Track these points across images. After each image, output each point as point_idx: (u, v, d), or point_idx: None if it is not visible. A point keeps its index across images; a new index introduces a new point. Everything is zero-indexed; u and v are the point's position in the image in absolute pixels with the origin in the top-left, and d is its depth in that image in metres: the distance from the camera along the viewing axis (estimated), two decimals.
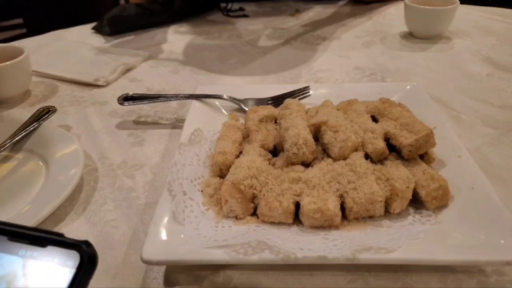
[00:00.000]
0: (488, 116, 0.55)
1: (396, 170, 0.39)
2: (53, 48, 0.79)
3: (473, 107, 0.57)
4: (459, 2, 0.77)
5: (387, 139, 0.43)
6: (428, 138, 0.41)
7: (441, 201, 0.38)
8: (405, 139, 0.41)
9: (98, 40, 0.84)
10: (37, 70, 0.68)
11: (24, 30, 1.82)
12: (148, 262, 0.33)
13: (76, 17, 1.78)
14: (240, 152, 0.45)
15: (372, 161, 0.41)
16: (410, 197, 0.38)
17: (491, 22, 0.86)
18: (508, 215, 0.35)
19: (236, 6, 0.99)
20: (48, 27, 1.75)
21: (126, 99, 0.56)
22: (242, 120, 0.52)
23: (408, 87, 0.56)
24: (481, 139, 0.51)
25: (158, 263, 0.35)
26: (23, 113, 0.60)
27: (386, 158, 0.42)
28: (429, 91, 0.59)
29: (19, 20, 1.86)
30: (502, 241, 0.33)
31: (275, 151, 0.45)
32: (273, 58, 0.75)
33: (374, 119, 0.46)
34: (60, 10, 1.73)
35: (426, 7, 0.75)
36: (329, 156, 0.42)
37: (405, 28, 0.82)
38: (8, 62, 0.59)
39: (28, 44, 0.82)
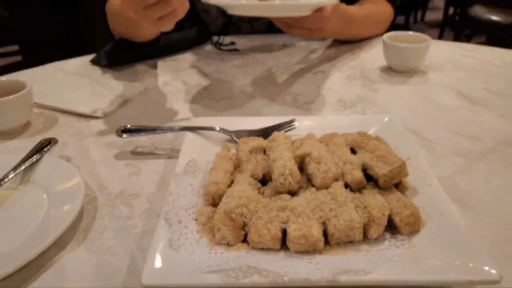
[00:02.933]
0: (459, 146, 0.60)
1: (373, 199, 0.43)
2: (53, 80, 0.82)
3: (445, 137, 0.62)
4: (431, 39, 0.83)
5: (364, 170, 0.47)
6: (401, 169, 0.45)
7: (414, 226, 0.42)
8: (380, 170, 0.45)
9: (96, 72, 0.88)
10: (37, 101, 0.71)
11: (19, 58, 1.86)
12: (147, 287, 0.36)
13: (71, 45, 1.83)
14: (232, 182, 0.48)
15: (352, 190, 0.45)
16: (386, 223, 0.42)
17: (462, 57, 0.92)
18: (471, 239, 0.39)
19: (227, 40, 1.04)
20: (43, 54, 1.79)
21: (124, 131, 0.59)
22: (233, 150, 0.56)
23: (386, 119, 0.61)
24: (452, 167, 0.55)
25: None
26: (24, 144, 0.63)
27: (364, 187, 0.46)
28: (405, 122, 0.64)
29: (15, 47, 1.90)
30: (466, 263, 0.37)
31: (264, 180, 0.49)
32: (261, 91, 0.80)
33: (353, 151, 0.50)
34: (56, 38, 1.78)
35: (402, 44, 0.81)
36: (312, 185, 0.46)
37: (384, 62, 0.87)
38: (11, 96, 0.63)
39: (28, 75, 0.86)
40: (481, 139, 0.62)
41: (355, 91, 0.78)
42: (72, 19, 1.80)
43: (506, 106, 0.71)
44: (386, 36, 0.85)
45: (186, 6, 0.62)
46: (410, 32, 0.88)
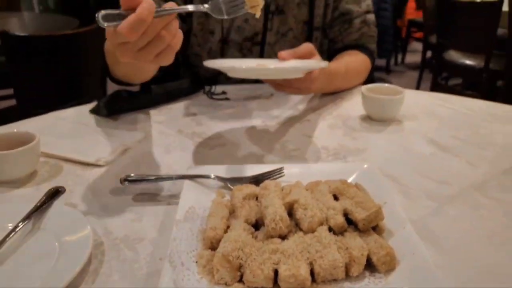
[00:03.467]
0: (430, 190, 0.67)
1: (354, 241, 0.49)
2: (56, 130, 0.88)
3: (418, 182, 0.69)
4: (405, 91, 0.92)
5: (346, 215, 0.53)
6: (378, 214, 0.51)
7: (389, 265, 0.48)
8: (359, 215, 0.51)
9: (96, 121, 0.94)
10: (43, 151, 0.76)
11: (13, 102, 1.91)
12: None
13: (65, 90, 1.90)
14: (228, 227, 0.54)
15: (335, 233, 0.51)
16: (365, 262, 0.47)
17: (435, 106, 1.01)
18: (440, 277, 0.45)
19: (219, 89, 1.12)
20: (38, 99, 1.84)
21: (126, 179, 0.65)
22: (228, 197, 0.62)
23: (365, 166, 0.68)
24: (424, 210, 0.62)
25: None
26: (31, 192, 0.68)
27: (345, 230, 0.52)
28: (383, 168, 0.71)
29: (9, 91, 1.95)
30: None
31: (257, 224, 0.55)
32: (252, 139, 0.87)
33: (336, 198, 0.57)
34: (51, 83, 1.84)
35: (380, 96, 0.90)
36: (300, 229, 0.52)
37: (364, 112, 0.96)
38: (21, 148, 0.68)
39: (30, 125, 0.92)
40: (450, 184, 0.69)
41: (337, 139, 0.86)
42: (66, 66, 1.87)
43: (472, 153, 0.79)
44: (364, 88, 0.93)
45: (180, 36, 0.62)
46: (386, 85, 0.97)
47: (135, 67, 0.83)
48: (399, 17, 4.52)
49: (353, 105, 1.03)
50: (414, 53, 5.11)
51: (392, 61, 4.66)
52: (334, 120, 0.95)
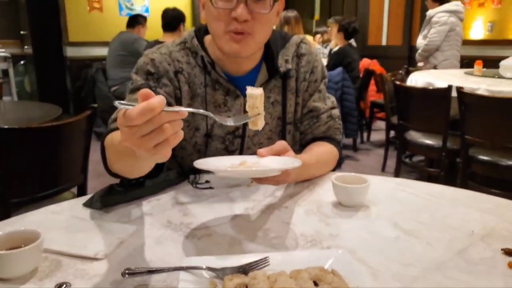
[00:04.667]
0: (397, 272, 0.76)
1: None
2: (52, 225, 0.94)
3: (386, 265, 0.79)
4: (370, 180, 1.04)
5: None
6: None
7: None
8: None
9: (90, 215, 1.01)
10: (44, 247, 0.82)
11: None
12: None
13: (45, 179, 1.93)
14: None
15: None
16: None
17: (397, 191, 1.14)
18: None
19: (203, 178, 1.22)
20: (17, 188, 1.86)
21: (127, 272, 0.71)
22: (220, 286, 0.69)
23: (340, 251, 0.77)
24: None
25: None
26: None
27: None
28: (355, 252, 0.81)
29: None
30: None
31: None
32: (236, 228, 0.95)
33: (316, 284, 0.65)
34: (31, 173, 1.88)
35: (347, 185, 1.02)
36: None
37: (335, 198, 1.07)
38: (27, 247, 0.74)
39: (26, 221, 0.97)
40: (414, 265, 0.79)
41: (313, 225, 0.95)
42: (47, 156, 1.91)
43: (432, 235, 0.90)
44: (334, 177, 1.06)
45: (180, 136, 0.69)
46: (353, 174, 1.10)
47: (133, 165, 0.93)
48: (362, 99, 4.89)
49: (325, 191, 1.15)
50: (379, 131, 5.46)
51: (359, 140, 4.95)
52: (309, 206, 1.06)
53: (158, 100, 0.66)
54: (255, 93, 0.88)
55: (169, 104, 1.19)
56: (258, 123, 0.90)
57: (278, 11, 1.22)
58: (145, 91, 0.67)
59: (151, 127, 0.67)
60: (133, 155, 0.76)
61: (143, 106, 0.65)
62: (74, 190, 2.13)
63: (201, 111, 0.82)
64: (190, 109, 0.75)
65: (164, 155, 0.71)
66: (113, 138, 0.99)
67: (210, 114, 0.83)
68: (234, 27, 1.11)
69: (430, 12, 4.68)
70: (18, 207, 1.92)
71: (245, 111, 0.92)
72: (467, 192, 1.14)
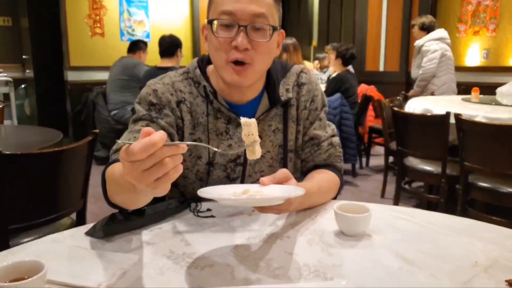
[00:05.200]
0: None
1: None
2: (55, 255, 0.94)
3: None
4: (371, 208, 1.05)
5: None
6: None
7: None
8: None
9: (93, 244, 1.00)
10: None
11: None
12: None
13: (44, 205, 1.92)
14: None
15: None
16: None
17: (398, 220, 1.15)
18: None
19: (204, 207, 1.22)
20: (14, 214, 1.85)
21: None
22: None
23: (343, 282, 0.77)
24: None
25: None
26: None
27: None
28: (357, 283, 0.80)
29: None
30: None
31: None
32: (238, 257, 0.95)
33: None
34: (29, 199, 1.88)
35: (349, 214, 1.02)
36: None
37: (337, 227, 1.07)
38: (30, 279, 0.73)
39: (27, 251, 0.97)
40: None
41: (316, 255, 0.95)
42: (46, 182, 1.91)
43: (434, 266, 0.90)
44: (336, 206, 1.06)
45: (180, 169, 0.72)
46: (355, 202, 1.10)
47: (133, 198, 0.94)
48: (360, 125, 4.93)
49: (327, 220, 1.15)
50: (377, 157, 5.48)
51: (357, 165, 4.96)
52: (312, 236, 1.05)
53: (159, 136, 0.69)
54: (249, 121, 0.92)
55: (170, 134, 1.21)
56: (255, 151, 0.92)
57: (278, 42, 1.26)
58: (147, 129, 0.71)
59: (153, 161, 0.70)
60: (133, 188, 0.79)
61: (145, 141, 0.68)
62: (73, 215, 2.12)
63: (200, 144, 0.88)
64: (190, 143, 0.80)
65: (164, 189, 0.74)
66: (113, 170, 1.00)
67: (209, 146, 0.90)
68: (235, 56, 1.14)
69: (418, 42, 4.82)
70: (16, 233, 1.91)
71: None
72: (469, 221, 1.14)
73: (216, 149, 0.90)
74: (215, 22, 1.15)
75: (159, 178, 0.72)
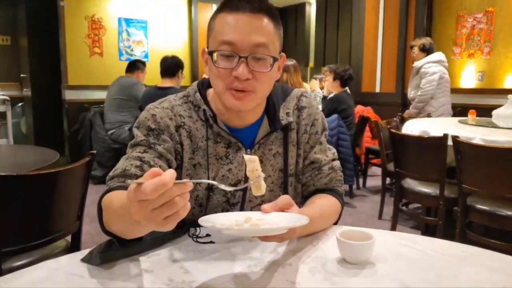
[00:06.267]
0: None
1: None
2: (50, 283, 0.91)
3: None
4: (375, 235, 1.03)
5: None
6: None
7: None
8: None
9: (89, 271, 0.98)
10: None
11: None
12: None
13: (38, 228, 1.88)
14: None
15: None
16: None
17: (401, 247, 1.13)
18: None
19: (203, 232, 1.20)
20: (6, 237, 1.81)
21: None
22: None
23: None
24: None
25: None
26: None
27: None
28: None
29: None
30: None
31: None
32: (239, 286, 0.92)
33: None
34: (23, 222, 1.84)
35: (352, 242, 1.01)
36: None
37: (339, 254, 1.05)
38: None
39: (23, 279, 0.94)
40: None
41: (319, 285, 0.93)
42: (41, 204, 1.87)
43: None
44: (338, 233, 1.04)
45: (188, 207, 0.73)
46: (358, 228, 1.08)
47: (132, 229, 0.92)
48: (357, 146, 4.93)
49: (329, 247, 1.13)
50: (374, 177, 5.47)
51: (355, 186, 4.94)
52: (314, 264, 1.03)
53: (170, 175, 0.70)
54: (252, 157, 0.96)
55: (168, 160, 1.20)
56: (261, 186, 0.94)
57: (279, 66, 1.26)
58: (155, 170, 0.71)
59: (163, 200, 0.70)
60: (134, 221, 0.77)
61: (157, 181, 0.68)
62: (68, 237, 2.08)
63: (207, 181, 0.94)
64: (196, 180, 0.84)
65: (172, 227, 0.74)
66: (111, 200, 0.99)
67: (215, 183, 0.90)
68: (235, 85, 1.14)
69: (417, 64, 4.89)
70: (8, 256, 1.87)
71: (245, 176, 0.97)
72: (473, 249, 1.12)
73: (221, 186, 0.91)
74: (215, 53, 1.15)
75: (168, 217, 0.72)
